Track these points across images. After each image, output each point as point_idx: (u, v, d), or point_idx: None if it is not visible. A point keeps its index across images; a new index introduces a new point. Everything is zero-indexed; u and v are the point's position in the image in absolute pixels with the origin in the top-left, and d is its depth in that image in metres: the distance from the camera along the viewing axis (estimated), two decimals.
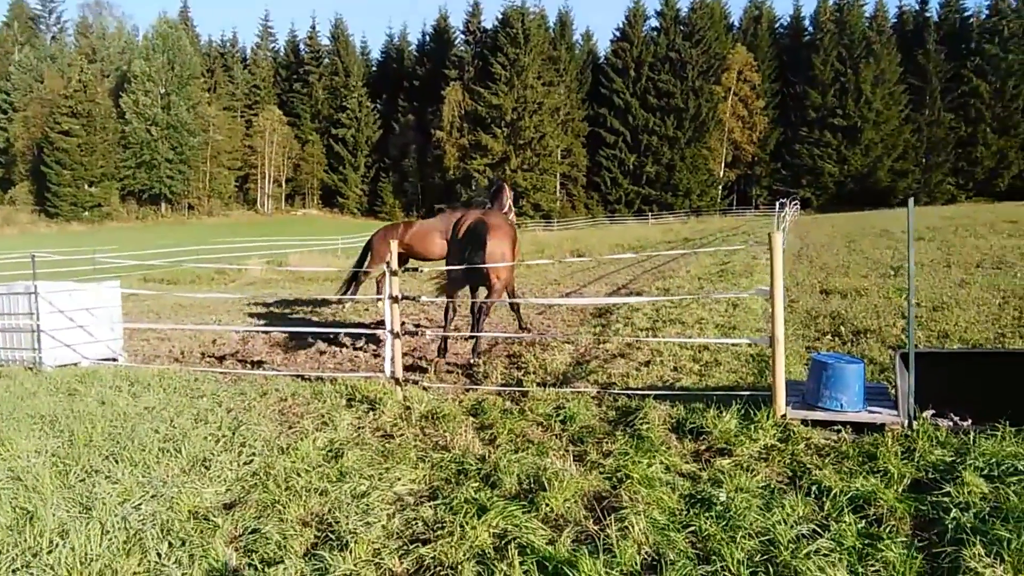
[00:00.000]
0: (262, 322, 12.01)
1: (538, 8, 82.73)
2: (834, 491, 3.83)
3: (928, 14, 79.57)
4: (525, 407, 5.95)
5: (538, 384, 6.73)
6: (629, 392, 6.05)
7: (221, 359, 9.18)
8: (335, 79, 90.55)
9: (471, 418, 5.88)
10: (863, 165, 72.65)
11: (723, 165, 78.51)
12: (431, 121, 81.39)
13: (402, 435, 5.53)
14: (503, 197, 9.36)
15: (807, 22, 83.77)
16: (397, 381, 6.58)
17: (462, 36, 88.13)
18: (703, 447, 4.85)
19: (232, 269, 24.90)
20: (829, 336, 8.00)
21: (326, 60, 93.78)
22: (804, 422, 4.97)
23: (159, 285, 23.23)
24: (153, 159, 75.87)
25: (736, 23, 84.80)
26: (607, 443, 5.00)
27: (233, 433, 5.68)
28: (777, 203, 34.36)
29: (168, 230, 65.52)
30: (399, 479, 4.53)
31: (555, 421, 5.58)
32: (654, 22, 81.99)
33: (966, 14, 77.17)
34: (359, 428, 5.81)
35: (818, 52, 75.97)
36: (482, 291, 8.18)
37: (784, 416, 5.01)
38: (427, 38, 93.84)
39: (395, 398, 6.39)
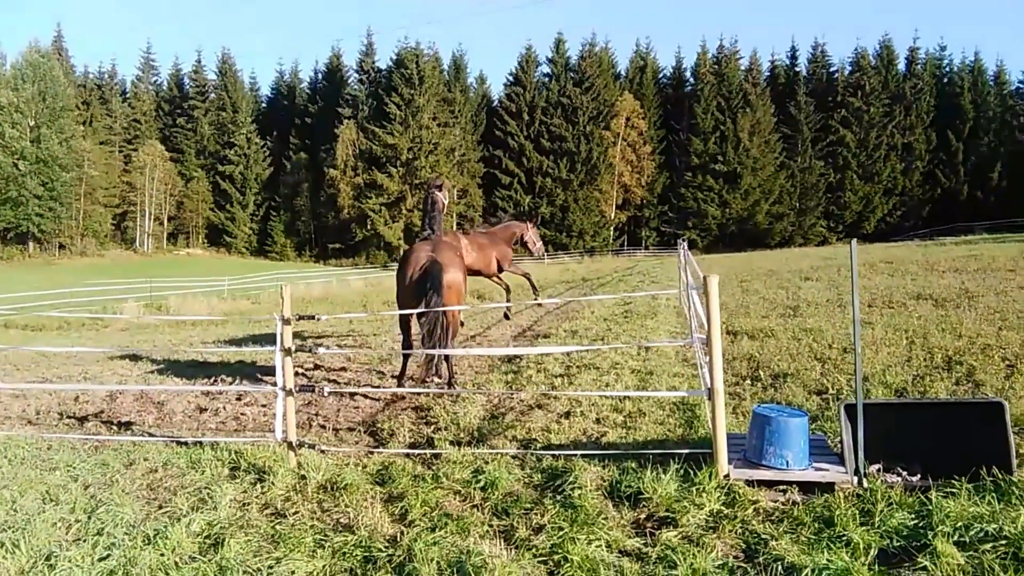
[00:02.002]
0: (135, 374, 10.77)
1: (432, 50, 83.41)
2: (801, 569, 3.39)
3: (798, 68, 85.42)
4: (439, 472, 5.29)
5: (451, 443, 6.09)
6: (553, 451, 5.50)
7: (83, 420, 7.99)
8: (222, 115, 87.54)
9: (378, 487, 5.17)
10: (743, 208, 76.33)
11: (614, 207, 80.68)
12: (324, 159, 79.83)
13: (296, 513, 4.75)
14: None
15: (688, 73, 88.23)
16: (290, 445, 5.76)
17: (356, 75, 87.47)
18: (643, 515, 4.35)
19: (105, 315, 22.87)
20: (749, 381, 7.77)
21: (212, 95, 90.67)
22: (749, 482, 4.57)
23: (21, 333, 21.02)
24: (20, 195, 70.09)
25: (623, 72, 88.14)
26: (537, 514, 4.42)
27: (89, 517, 4.73)
28: (679, 244, 35.08)
29: (36, 271, 60.50)
30: (292, 573, 3.78)
31: (475, 488, 4.95)
32: (545, 68, 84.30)
33: (831, 69, 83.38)
34: (244, 505, 4.98)
35: (699, 102, 79.86)
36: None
37: (727, 476, 4.59)
38: (320, 76, 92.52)
39: (288, 466, 5.59)
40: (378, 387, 8.89)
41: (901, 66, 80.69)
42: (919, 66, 79.88)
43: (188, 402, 8.58)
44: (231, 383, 9.50)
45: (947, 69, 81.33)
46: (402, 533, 4.25)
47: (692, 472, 4.67)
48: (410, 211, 75.45)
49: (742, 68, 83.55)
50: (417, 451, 5.87)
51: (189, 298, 29.52)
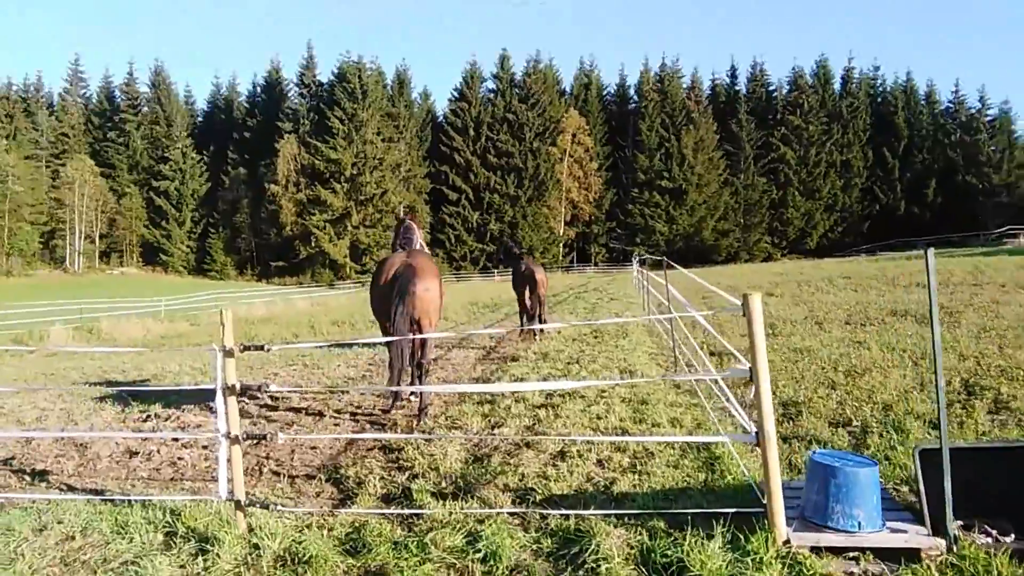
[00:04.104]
0: (57, 409, 9.46)
1: (375, 64, 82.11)
2: None
3: (738, 87, 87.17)
4: (425, 538, 4.33)
5: (432, 494, 5.13)
6: (563, 510, 4.60)
7: None
8: (156, 128, 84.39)
9: (350, 559, 4.18)
10: (690, 225, 76.97)
11: (563, 223, 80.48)
12: (265, 175, 77.50)
13: None
14: (416, 236, 9.02)
15: (632, 90, 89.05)
16: (238, 505, 4.71)
17: (296, 88, 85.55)
18: None
19: (25, 341, 21.07)
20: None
21: (145, 108, 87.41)
22: (814, 549, 3.74)
23: None
24: None
25: (568, 88, 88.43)
26: None
27: None
28: (633, 260, 34.81)
29: None
30: None
31: (472, 560, 4.01)
32: (491, 84, 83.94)
33: (770, 88, 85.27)
34: None
35: (643, 119, 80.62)
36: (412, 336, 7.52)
37: (787, 543, 3.76)
38: (258, 89, 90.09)
39: (236, 531, 4.55)
40: (336, 422, 7.85)
41: (837, 85, 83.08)
42: (854, 85, 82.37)
43: (116, 443, 7.39)
44: (166, 420, 8.33)
45: (881, 88, 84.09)
46: None
47: (741, 536, 3.83)
48: (356, 228, 73.68)
49: (684, 86, 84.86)
50: (394, 510, 4.88)
51: (123, 320, 27.65)
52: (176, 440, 7.46)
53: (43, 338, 20.69)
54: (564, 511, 4.48)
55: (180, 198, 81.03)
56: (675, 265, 10.24)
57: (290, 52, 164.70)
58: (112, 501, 5.37)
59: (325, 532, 4.58)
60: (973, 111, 78.57)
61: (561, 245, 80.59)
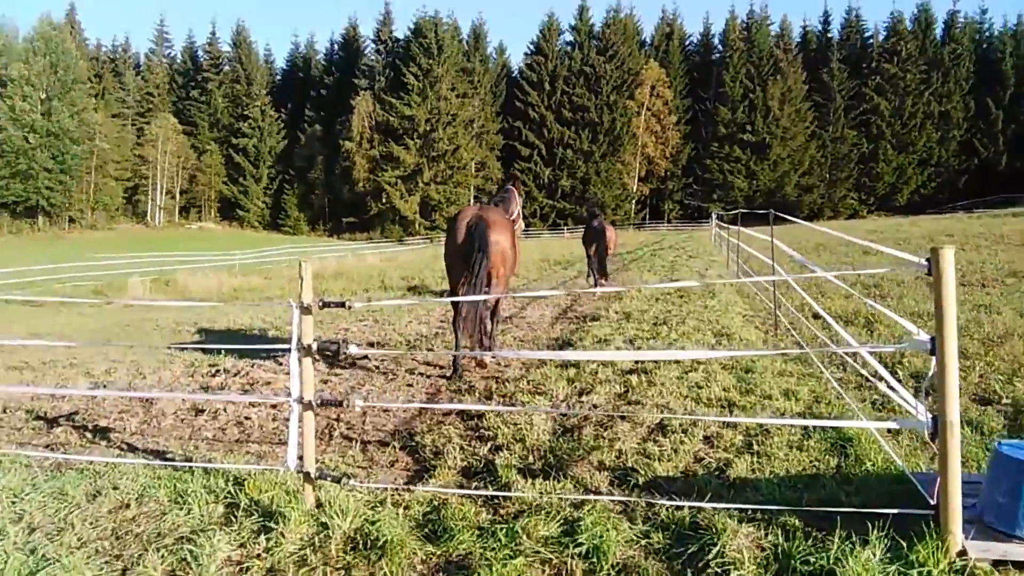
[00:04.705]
0: (127, 361, 9.34)
1: (451, 19, 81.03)
2: None
3: (831, 34, 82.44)
4: (514, 525, 3.74)
5: (519, 470, 4.55)
6: (672, 497, 3.94)
7: (53, 423, 6.55)
8: (236, 87, 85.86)
9: (428, 546, 3.64)
10: (771, 180, 73.93)
11: (637, 179, 78.49)
12: (339, 132, 78.07)
13: None
14: (512, 201, 8.93)
15: (716, 40, 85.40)
16: (307, 477, 4.22)
17: (372, 45, 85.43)
18: None
19: (104, 292, 21.57)
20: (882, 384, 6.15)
21: (226, 67, 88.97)
22: (997, 563, 2.99)
23: (21, 309, 19.72)
24: (30, 168, 68.98)
25: (648, 39, 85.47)
26: None
27: None
28: (714, 216, 33.45)
29: (44, 246, 59.51)
30: None
31: (571, 555, 3.40)
32: (568, 36, 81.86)
33: (866, 35, 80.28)
34: (242, 570, 3.49)
35: (727, 69, 77.19)
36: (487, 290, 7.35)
37: (962, 553, 3.01)
38: (335, 47, 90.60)
39: (303, 507, 4.06)
40: (409, 383, 7.36)
41: (939, 31, 77.55)
42: (958, 30, 76.74)
43: (183, 400, 7.10)
44: (236, 375, 8.02)
45: (988, 34, 78.02)
46: None
47: (903, 543, 3.10)
48: (427, 184, 73.64)
49: (772, 34, 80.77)
50: (478, 491, 4.31)
51: (198, 273, 28.16)
52: (244, 393, 7.13)
53: (121, 290, 21.10)
54: (676, 502, 3.81)
55: (258, 155, 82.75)
56: (787, 217, 9.26)
57: (367, 9, 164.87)
58: (173, 465, 5.00)
59: (401, 511, 4.05)
60: None
61: (633, 202, 78.69)
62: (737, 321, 9.76)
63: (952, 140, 72.80)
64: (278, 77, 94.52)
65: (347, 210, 78.53)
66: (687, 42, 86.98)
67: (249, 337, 11.04)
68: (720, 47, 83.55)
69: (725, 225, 25.73)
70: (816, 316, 9.59)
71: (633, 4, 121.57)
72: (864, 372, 6.30)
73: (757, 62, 76.74)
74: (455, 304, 7.52)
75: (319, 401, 4.34)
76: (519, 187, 9.51)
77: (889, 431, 4.74)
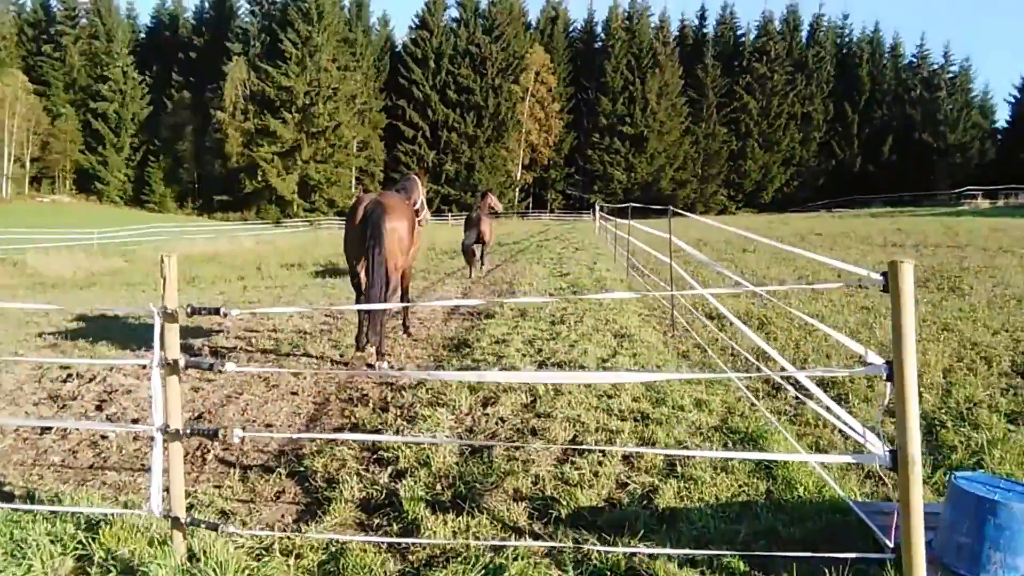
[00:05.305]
0: None
1: None
2: None
3: (706, 30, 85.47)
4: (426, 575, 3.28)
5: (426, 502, 4.07)
6: (603, 542, 3.59)
7: None
8: (95, 44, 78.60)
9: None
10: (648, 174, 76.00)
11: (520, 167, 78.75)
12: (211, 100, 73.35)
13: None
14: (415, 191, 8.98)
15: (599, 28, 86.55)
16: (176, 523, 3.56)
17: (246, 6, 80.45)
18: None
19: None
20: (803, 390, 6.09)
21: (83, 21, 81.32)
22: None
23: None
24: None
25: (534, 22, 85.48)
26: None
27: None
28: (596, 208, 33.82)
29: None
30: None
31: None
32: (454, 12, 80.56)
33: (739, 33, 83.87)
34: None
35: (609, 60, 78.54)
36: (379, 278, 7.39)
37: None
38: (206, 4, 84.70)
39: (172, 562, 3.42)
40: (295, 394, 6.69)
41: (805, 33, 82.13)
42: (822, 33, 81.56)
43: (26, 412, 6.13)
44: (91, 381, 7.04)
45: (848, 39, 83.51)
46: None
47: None
48: (306, 163, 70.56)
49: (652, 27, 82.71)
50: (381, 536, 3.78)
51: (51, 253, 25.58)
52: (99, 408, 6.23)
53: None
54: (608, 547, 3.46)
55: (119, 121, 76.15)
56: (682, 212, 9.17)
57: None
58: (11, 501, 4.18)
59: (292, 561, 3.49)
60: (936, 67, 78.79)
61: (518, 190, 78.95)
62: (634, 320, 9.63)
63: (813, 141, 77.57)
64: (142, 35, 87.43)
65: (219, 187, 73.94)
66: (571, 28, 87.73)
67: (109, 329, 9.88)
68: (603, 36, 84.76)
69: (609, 217, 26.02)
70: (711, 316, 9.63)
71: None
72: (786, 385, 6.24)
73: (638, 53, 78.56)
74: (358, 291, 7.75)
75: (189, 431, 3.67)
76: (423, 176, 9.57)
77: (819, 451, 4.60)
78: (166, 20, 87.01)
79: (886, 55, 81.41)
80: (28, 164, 74.00)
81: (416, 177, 9.29)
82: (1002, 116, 79.78)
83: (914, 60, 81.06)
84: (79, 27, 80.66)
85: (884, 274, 2.93)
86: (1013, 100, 77.62)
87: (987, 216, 32.01)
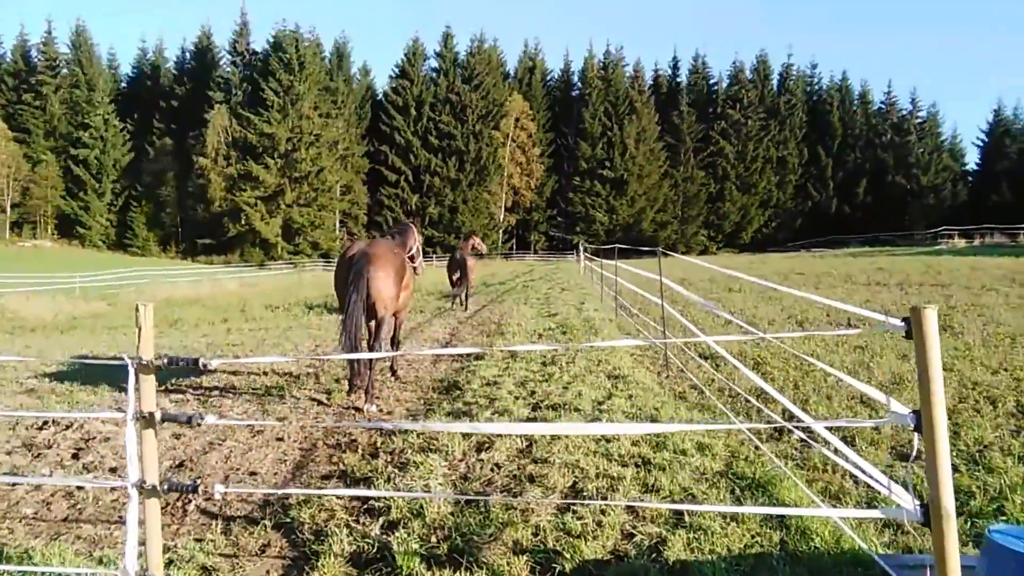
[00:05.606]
0: None
1: (313, 35, 78.62)
2: None
3: (680, 79, 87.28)
4: None
5: (421, 556, 3.86)
6: None
7: None
8: (76, 92, 78.63)
9: None
10: (629, 215, 76.76)
11: (503, 209, 79.21)
12: (193, 147, 73.33)
13: None
14: (410, 238, 9.27)
15: (576, 77, 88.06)
16: None
17: (228, 56, 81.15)
18: None
19: None
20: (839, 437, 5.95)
21: (64, 70, 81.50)
22: None
23: None
24: None
25: (512, 71, 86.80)
26: None
27: None
28: (580, 248, 33.90)
29: None
30: None
31: None
32: (434, 63, 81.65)
33: (711, 81, 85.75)
34: None
35: (587, 107, 79.87)
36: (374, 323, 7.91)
37: None
38: (187, 55, 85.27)
39: None
40: (280, 440, 6.45)
41: (775, 82, 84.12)
42: (792, 82, 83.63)
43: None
44: (67, 429, 6.76)
45: (817, 87, 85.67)
46: None
47: None
48: (289, 206, 70.51)
49: (627, 75, 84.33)
50: None
51: (32, 297, 25.11)
52: (75, 458, 5.96)
53: None
54: None
55: (100, 168, 75.86)
56: (670, 253, 9.10)
57: (220, 15, 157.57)
58: None
59: None
60: (904, 112, 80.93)
61: (501, 231, 79.29)
62: (627, 361, 9.51)
63: (789, 184, 78.98)
64: (123, 84, 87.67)
65: (202, 231, 73.51)
66: (549, 76, 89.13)
67: (89, 374, 9.57)
68: (580, 84, 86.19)
69: (593, 258, 26.05)
70: (705, 356, 9.51)
71: (496, 36, 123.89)
72: (789, 425, 6.10)
73: (614, 100, 79.97)
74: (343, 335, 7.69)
75: (166, 486, 3.46)
76: (418, 223, 9.81)
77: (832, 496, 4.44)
78: (147, 70, 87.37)
79: (855, 102, 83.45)
80: (8, 209, 73.22)
81: (412, 225, 9.58)
82: (972, 159, 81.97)
83: (883, 106, 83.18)
84: (60, 76, 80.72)
85: (906, 319, 2.81)
86: (981, 144, 79.90)
87: (965, 255, 32.43)
